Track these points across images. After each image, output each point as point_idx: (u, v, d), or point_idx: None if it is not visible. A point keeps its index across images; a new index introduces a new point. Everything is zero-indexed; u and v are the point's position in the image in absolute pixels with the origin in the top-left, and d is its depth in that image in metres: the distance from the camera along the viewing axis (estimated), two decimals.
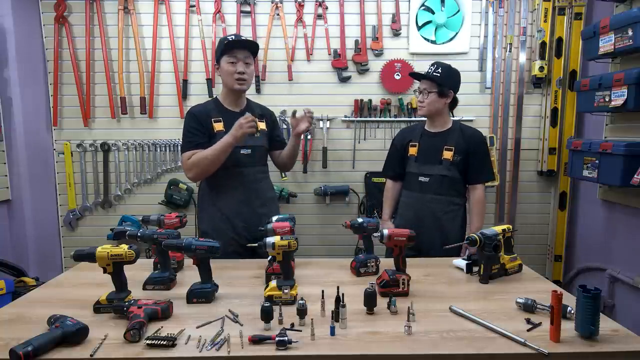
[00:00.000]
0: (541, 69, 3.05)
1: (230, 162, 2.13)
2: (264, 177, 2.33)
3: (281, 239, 1.58)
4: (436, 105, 2.26)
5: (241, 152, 2.17)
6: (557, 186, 3.21)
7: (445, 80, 2.23)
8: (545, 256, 3.32)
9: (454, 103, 2.35)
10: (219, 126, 2.15)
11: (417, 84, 2.36)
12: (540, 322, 1.40)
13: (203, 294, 1.57)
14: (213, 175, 2.16)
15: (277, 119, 2.60)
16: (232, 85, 2.15)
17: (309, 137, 3.18)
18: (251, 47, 2.19)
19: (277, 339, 1.25)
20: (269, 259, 1.80)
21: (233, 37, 2.15)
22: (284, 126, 3.12)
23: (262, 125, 2.28)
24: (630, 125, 2.46)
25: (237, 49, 2.12)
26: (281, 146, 2.42)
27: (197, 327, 1.38)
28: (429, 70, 2.26)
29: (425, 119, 2.38)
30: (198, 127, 2.13)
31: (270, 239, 1.58)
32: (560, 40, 3.05)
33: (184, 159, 2.16)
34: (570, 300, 1.47)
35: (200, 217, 2.33)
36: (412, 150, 2.36)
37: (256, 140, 2.22)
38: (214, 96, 2.41)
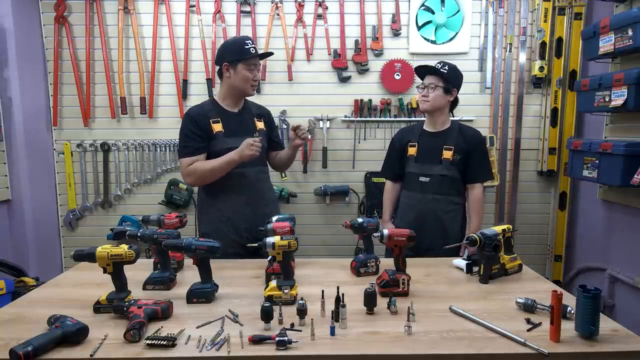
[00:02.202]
0: (541, 69, 3.05)
1: None
2: (265, 177, 2.33)
3: (281, 239, 1.58)
4: (440, 101, 2.25)
5: None
6: (557, 186, 3.21)
7: (451, 78, 2.24)
8: (545, 256, 3.32)
9: (454, 103, 2.36)
10: (217, 127, 2.14)
11: (416, 84, 2.35)
12: (540, 322, 1.40)
13: (203, 294, 1.57)
14: None
15: (277, 118, 2.60)
16: (247, 90, 2.19)
17: (309, 137, 3.18)
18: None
19: (277, 339, 1.25)
20: (269, 259, 1.80)
21: (250, 43, 2.13)
22: (284, 126, 3.12)
23: (260, 125, 2.28)
24: (630, 125, 2.46)
25: (256, 58, 2.17)
26: (278, 147, 2.41)
27: (197, 327, 1.38)
28: (437, 66, 2.26)
29: (424, 119, 2.38)
30: (196, 131, 2.12)
31: (270, 239, 1.58)
32: (560, 40, 3.05)
33: (182, 164, 2.14)
34: (570, 300, 1.47)
35: (200, 219, 2.31)
36: (412, 150, 2.35)
37: None
38: (212, 96, 2.41)
